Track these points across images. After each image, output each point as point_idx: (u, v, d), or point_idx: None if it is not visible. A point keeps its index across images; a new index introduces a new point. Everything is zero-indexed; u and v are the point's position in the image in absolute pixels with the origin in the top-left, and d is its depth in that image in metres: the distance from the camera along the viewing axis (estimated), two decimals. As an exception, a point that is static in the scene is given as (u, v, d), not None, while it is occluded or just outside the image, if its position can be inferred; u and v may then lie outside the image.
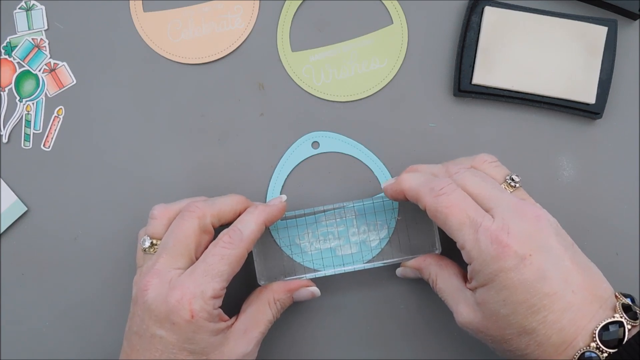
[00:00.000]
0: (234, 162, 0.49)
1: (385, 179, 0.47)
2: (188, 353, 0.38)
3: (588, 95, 0.48)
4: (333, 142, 0.48)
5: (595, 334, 0.34)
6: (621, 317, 0.34)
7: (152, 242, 0.41)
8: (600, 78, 0.48)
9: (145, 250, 0.41)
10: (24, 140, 0.49)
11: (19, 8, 0.50)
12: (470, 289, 0.39)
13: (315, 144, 0.48)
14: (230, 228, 0.41)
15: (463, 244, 0.37)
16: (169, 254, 0.40)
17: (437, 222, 0.39)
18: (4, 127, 0.49)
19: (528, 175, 0.48)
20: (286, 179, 0.48)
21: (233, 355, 0.40)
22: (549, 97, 0.48)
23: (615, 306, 0.35)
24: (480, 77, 0.48)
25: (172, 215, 0.42)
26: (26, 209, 0.49)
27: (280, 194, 0.48)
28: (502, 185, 0.40)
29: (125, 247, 0.48)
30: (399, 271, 0.46)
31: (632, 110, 0.49)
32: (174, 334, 0.38)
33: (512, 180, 0.40)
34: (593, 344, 0.34)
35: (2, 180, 0.49)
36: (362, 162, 0.48)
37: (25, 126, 0.49)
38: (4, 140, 0.49)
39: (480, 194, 0.38)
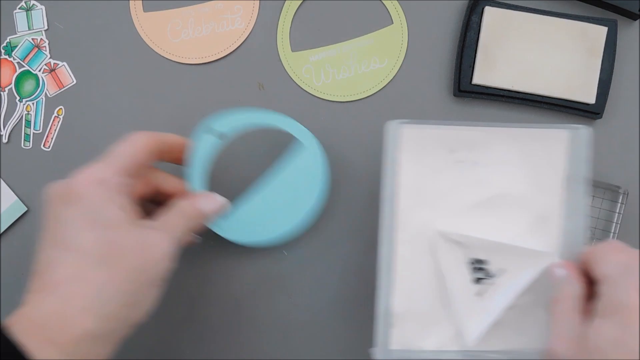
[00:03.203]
0: (234, 162, 0.49)
1: (299, 130, 0.44)
2: (90, 223, 0.35)
3: (588, 95, 0.48)
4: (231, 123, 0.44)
5: None
6: None
7: None
8: (600, 78, 0.48)
9: None
10: (24, 140, 0.49)
11: (19, 8, 0.50)
12: (583, 320, 0.35)
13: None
14: None
15: (606, 273, 0.34)
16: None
17: (592, 261, 0.36)
18: (4, 127, 0.49)
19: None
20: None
21: (147, 239, 0.36)
22: (549, 97, 0.48)
23: None
24: (480, 77, 0.48)
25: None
26: (26, 209, 0.49)
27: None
28: None
29: (125, 247, 0.48)
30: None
31: (632, 110, 0.49)
32: (74, 206, 0.35)
33: None
34: None
35: (2, 180, 0.49)
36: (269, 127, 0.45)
37: (25, 126, 0.49)
38: (4, 140, 0.49)
39: None
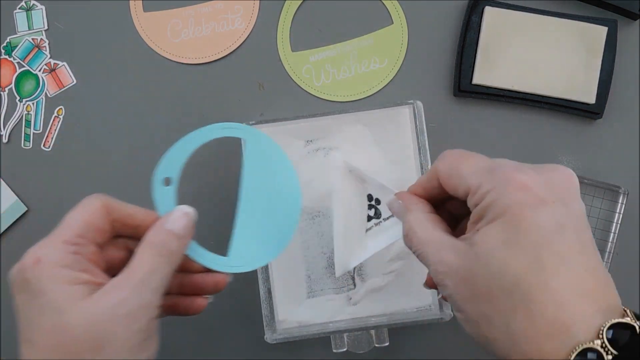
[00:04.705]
0: (234, 162, 0.49)
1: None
2: (39, 309, 0.31)
3: (588, 95, 0.48)
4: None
5: (602, 330, 0.27)
6: (633, 322, 0.28)
7: None
8: (600, 78, 0.48)
9: None
10: (24, 140, 0.49)
11: (19, 8, 0.50)
12: (461, 239, 0.32)
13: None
14: None
15: (471, 187, 0.32)
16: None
17: (448, 181, 0.34)
18: (4, 127, 0.49)
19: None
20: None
21: (100, 309, 0.31)
22: (549, 97, 0.48)
23: (624, 313, 0.28)
24: (480, 77, 0.48)
25: None
26: (26, 209, 0.49)
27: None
28: None
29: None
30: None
31: (632, 110, 0.49)
32: (25, 293, 0.32)
33: None
34: (597, 342, 0.27)
35: (2, 180, 0.49)
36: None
37: (25, 126, 0.49)
38: (4, 140, 0.49)
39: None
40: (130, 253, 0.36)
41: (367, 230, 0.46)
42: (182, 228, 0.35)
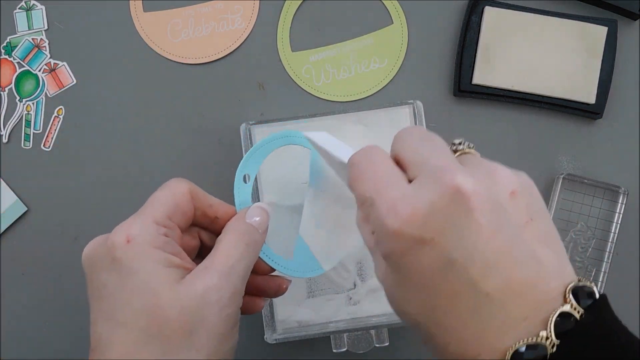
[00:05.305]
0: (234, 162, 0.49)
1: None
2: (130, 289, 0.31)
3: (588, 95, 0.48)
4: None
5: (507, 355, 0.26)
6: (544, 340, 0.25)
7: None
8: (600, 78, 0.48)
9: None
10: (24, 140, 0.49)
11: (19, 8, 0.50)
12: None
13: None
14: None
15: (364, 217, 0.30)
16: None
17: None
18: (4, 127, 0.49)
19: (528, 175, 0.48)
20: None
21: (192, 293, 0.31)
22: (549, 97, 0.48)
23: (549, 319, 0.26)
24: (480, 77, 0.48)
25: None
26: (26, 209, 0.49)
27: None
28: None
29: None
30: None
31: (632, 110, 0.49)
32: (115, 273, 0.31)
33: (455, 144, 0.32)
34: None
35: (2, 180, 0.49)
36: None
37: (25, 126, 0.49)
38: (4, 140, 0.49)
39: (406, 158, 0.29)
40: (201, 243, 0.37)
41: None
42: (261, 222, 0.36)
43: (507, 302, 0.26)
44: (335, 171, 0.39)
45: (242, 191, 0.39)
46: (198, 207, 0.36)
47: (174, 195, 0.34)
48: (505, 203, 0.28)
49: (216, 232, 0.36)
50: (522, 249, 0.27)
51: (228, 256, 0.33)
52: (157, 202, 0.34)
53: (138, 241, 0.31)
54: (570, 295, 0.26)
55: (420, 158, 0.28)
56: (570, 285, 0.27)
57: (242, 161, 0.40)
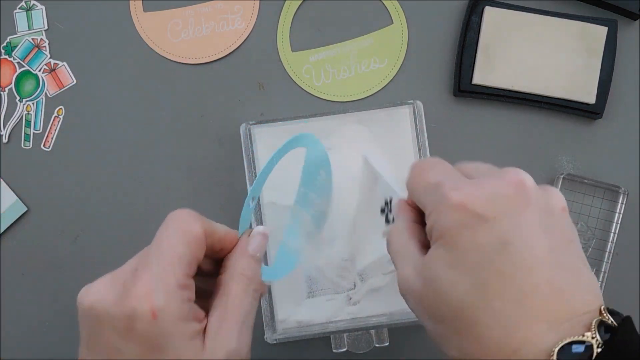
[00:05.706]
0: (234, 163, 0.49)
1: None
2: None
3: (588, 95, 0.48)
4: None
5: (553, 352, 0.26)
6: (590, 338, 0.26)
7: None
8: (600, 78, 0.48)
9: None
10: (24, 140, 0.49)
11: (19, 8, 0.50)
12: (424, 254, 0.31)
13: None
14: None
15: (424, 205, 0.31)
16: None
17: (412, 197, 0.33)
18: (4, 127, 0.49)
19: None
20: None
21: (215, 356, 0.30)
22: (549, 97, 0.48)
23: (591, 324, 0.26)
24: (480, 77, 0.48)
25: None
26: (26, 209, 0.49)
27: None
28: None
29: (125, 246, 0.48)
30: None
31: (632, 110, 0.49)
32: (135, 344, 0.28)
33: None
34: None
35: (2, 180, 0.49)
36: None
37: (25, 126, 0.49)
38: (4, 140, 0.49)
39: (468, 168, 0.32)
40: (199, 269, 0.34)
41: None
42: (261, 249, 0.34)
43: (551, 300, 0.27)
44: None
45: (247, 212, 0.36)
46: (209, 245, 0.33)
47: (189, 244, 0.31)
48: (557, 214, 0.30)
49: (216, 258, 0.34)
50: (567, 257, 0.28)
51: (238, 308, 0.32)
52: (175, 256, 0.30)
53: (166, 318, 0.28)
54: (605, 311, 0.27)
55: (483, 168, 0.32)
56: (602, 305, 0.28)
57: (254, 184, 0.37)
